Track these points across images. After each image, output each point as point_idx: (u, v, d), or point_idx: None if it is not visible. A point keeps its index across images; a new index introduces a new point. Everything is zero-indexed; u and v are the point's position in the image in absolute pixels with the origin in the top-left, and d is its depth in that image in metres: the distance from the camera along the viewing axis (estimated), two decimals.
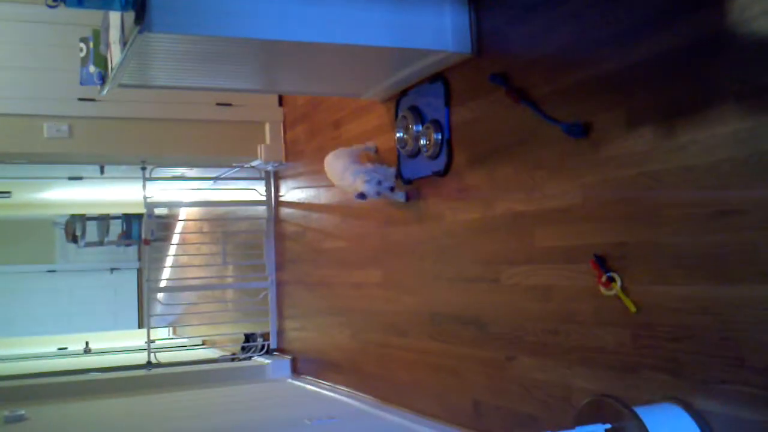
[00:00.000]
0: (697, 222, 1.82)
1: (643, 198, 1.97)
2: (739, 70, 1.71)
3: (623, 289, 2.03)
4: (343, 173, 3.21)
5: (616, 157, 2.06)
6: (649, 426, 1.72)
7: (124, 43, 2.44)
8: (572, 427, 1.79)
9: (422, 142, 2.96)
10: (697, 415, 1.81)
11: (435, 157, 2.90)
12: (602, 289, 2.09)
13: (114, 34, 2.58)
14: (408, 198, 3.12)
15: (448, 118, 2.84)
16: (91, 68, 2.85)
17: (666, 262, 1.91)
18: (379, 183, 3.05)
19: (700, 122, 1.81)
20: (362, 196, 3.08)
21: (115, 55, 2.62)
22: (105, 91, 2.88)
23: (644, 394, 1.97)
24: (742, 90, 1.70)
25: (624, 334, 2.04)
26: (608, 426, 1.79)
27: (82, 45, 2.89)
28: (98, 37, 2.80)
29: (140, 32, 2.25)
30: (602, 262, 2.10)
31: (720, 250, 1.76)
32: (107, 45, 2.72)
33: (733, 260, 1.73)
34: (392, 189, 3.08)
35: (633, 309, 2.00)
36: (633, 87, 2.01)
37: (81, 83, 2.93)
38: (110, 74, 2.73)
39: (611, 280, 2.06)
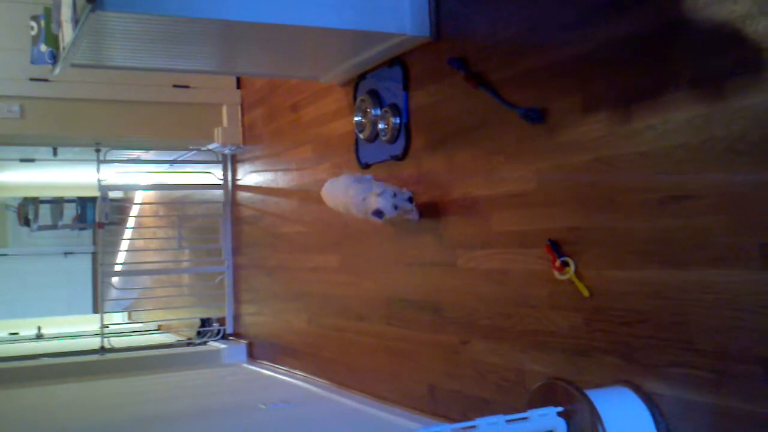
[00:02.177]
0: (650, 207, 1.84)
1: (598, 183, 1.99)
2: (694, 56, 1.73)
3: (577, 273, 2.05)
4: (347, 190, 2.80)
5: (572, 142, 2.07)
6: (599, 409, 1.74)
7: (75, 21, 2.39)
8: (525, 410, 1.81)
9: (380, 126, 2.95)
10: (647, 398, 1.83)
11: (393, 141, 2.90)
12: (556, 274, 2.10)
13: (66, 12, 2.53)
14: (420, 216, 2.76)
15: (407, 102, 2.83)
16: (43, 47, 2.80)
17: (619, 246, 1.92)
18: (395, 195, 2.64)
19: (655, 108, 1.82)
20: (379, 213, 2.63)
21: (67, 33, 2.56)
22: (57, 71, 2.82)
23: (596, 377, 2.00)
24: (696, 76, 1.72)
25: (577, 318, 2.06)
26: (560, 409, 1.81)
27: (33, 23, 2.83)
28: (50, 15, 2.75)
29: (92, 11, 2.21)
30: (556, 247, 2.11)
31: (673, 234, 1.78)
32: (59, 23, 2.66)
33: (685, 245, 1.75)
34: (411, 199, 2.66)
35: (586, 293, 2.02)
36: (589, 73, 2.02)
37: (32, 62, 2.87)
38: (62, 53, 2.68)
39: (565, 264, 2.08)
